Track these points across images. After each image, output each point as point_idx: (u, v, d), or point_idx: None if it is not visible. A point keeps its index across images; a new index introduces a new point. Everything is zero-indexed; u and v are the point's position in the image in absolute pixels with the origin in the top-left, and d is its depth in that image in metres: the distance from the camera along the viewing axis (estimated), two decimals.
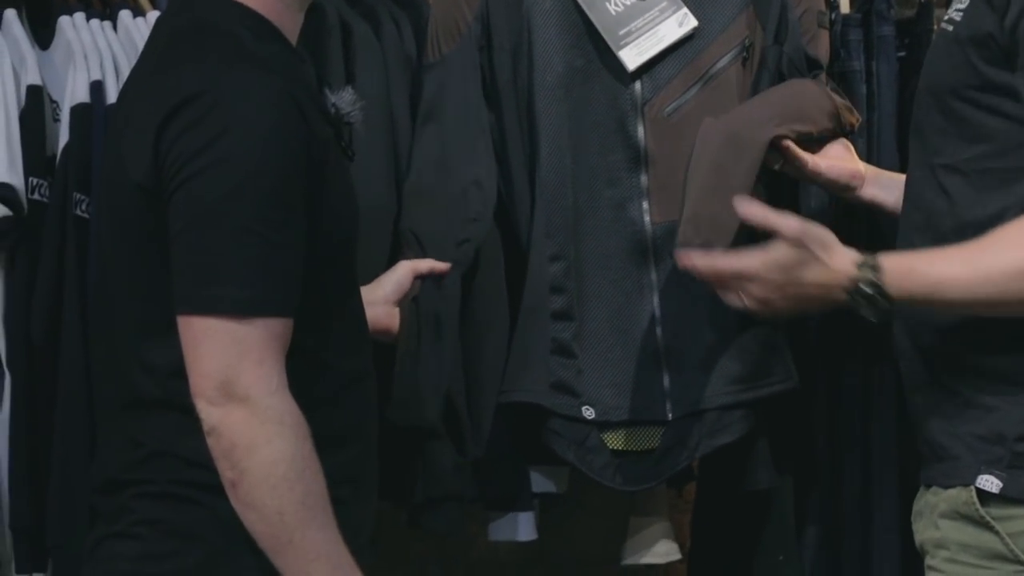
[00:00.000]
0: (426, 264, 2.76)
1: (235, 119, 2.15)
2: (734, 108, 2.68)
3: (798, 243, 2.29)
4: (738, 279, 2.33)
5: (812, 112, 2.67)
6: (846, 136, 2.70)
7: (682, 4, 2.81)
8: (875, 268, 2.27)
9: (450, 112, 2.82)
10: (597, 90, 2.82)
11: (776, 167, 2.68)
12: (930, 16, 3.05)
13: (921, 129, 2.39)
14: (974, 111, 2.31)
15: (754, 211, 2.34)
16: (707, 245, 2.49)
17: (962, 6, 2.33)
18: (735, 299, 2.35)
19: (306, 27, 2.66)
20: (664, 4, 2.81)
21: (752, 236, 2.42)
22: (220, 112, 2.14)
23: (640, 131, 2.81)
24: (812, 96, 2.68)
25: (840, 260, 2.29)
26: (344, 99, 2.40)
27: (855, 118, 2.70)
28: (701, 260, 2.35)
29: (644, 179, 2.82)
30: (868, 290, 2.27)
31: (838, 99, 2.68)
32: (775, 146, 2.65)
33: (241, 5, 2.28)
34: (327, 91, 2.43)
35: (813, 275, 2.31)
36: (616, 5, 2.81)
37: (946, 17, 2.39)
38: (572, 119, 2.82)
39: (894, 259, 2.29)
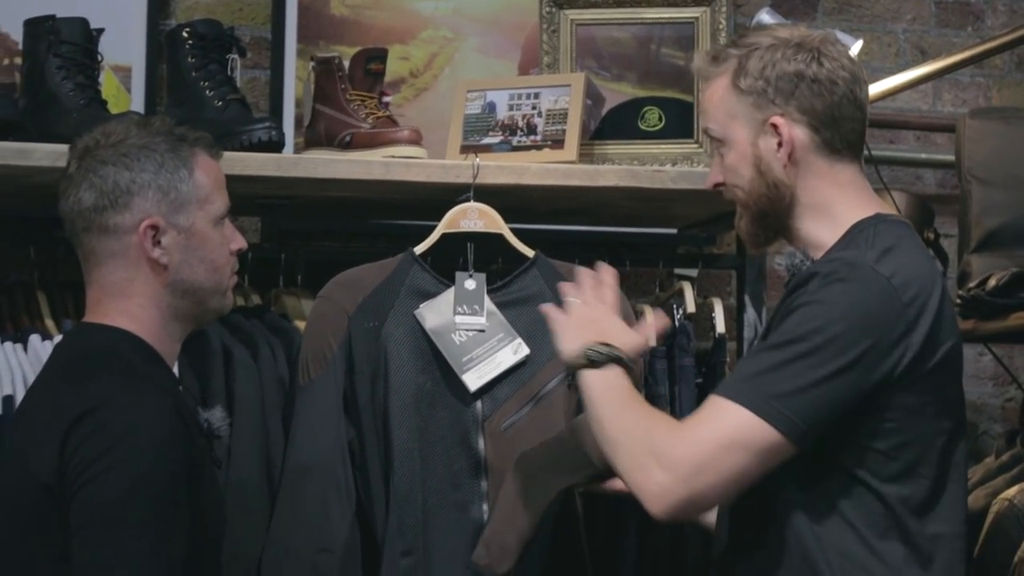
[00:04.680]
0: None
1: (130, 429, 2.19)
2: (546, 442, 2.64)
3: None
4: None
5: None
6: None
7: (516, 335, 2.85)
8: (611, 354, 2.37)
9: (314, 429, 2.79)
10: (444, 408, 2.83)
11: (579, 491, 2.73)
12: (723, 349, 3.13)
13: None
14: None
15: None
16: (490, 568, 2.58)
17: None
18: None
19: (193, 350, 2.81)
20: (501, 335, 2.85)
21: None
22: (117, 423, 2.18)
23: (481, 443, 2.83)
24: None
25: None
26: (215, 416, 2.45)
27: None
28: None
29: (484, 484, 2.81)
30: (592, 354, 2.37)
31: None
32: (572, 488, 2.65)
33: (130, 334, 2.33)
34: (199, 408, 2.47)
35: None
36: (460, 336, 2.84)
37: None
38: (422, 432, 2.81)
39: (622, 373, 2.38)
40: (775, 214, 2.40)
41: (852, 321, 2.23)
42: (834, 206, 2.38)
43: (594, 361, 2.37)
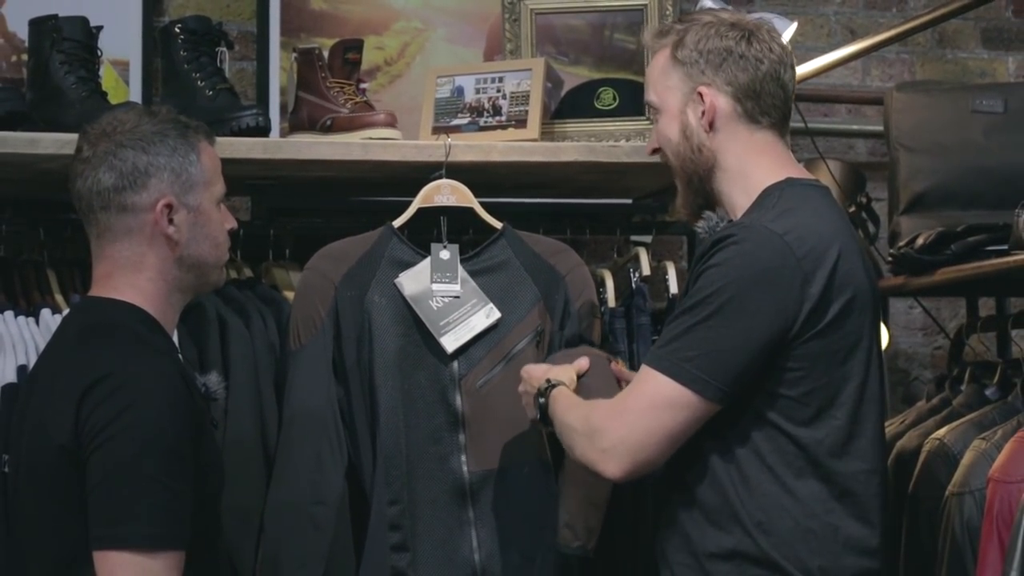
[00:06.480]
0: None
1: (140, 394, 2.23)
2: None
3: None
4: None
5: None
6: None
7: (488, 301, 2.88)
8: (552, 382, 2.54)
9: (306, 390, 2.81)
10: (424, 368, 2.86)
11: None
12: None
13: None
14: None
15: None
16: (583, 547, 2.63)
17: None
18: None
19: (191, 320, 2.84)
20: (475, 301, 2.88)
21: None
22: (128, 388, 2.23)
23: (458, 400, 2.86)
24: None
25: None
26: (211, 380, 2.49)
27: None
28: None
29: (462, 437, 2.84)
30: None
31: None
32: None
33: (134, 306, 2.37)
34: (197, 374, 2.51)
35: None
36: (437, 302, 2.86)
37: None
38: (404, 391, 2.84)
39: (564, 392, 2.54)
40: (699, 178, 2.46)
41: (749, 279, 2.30)
42: (749, 170, 2.43)
43: (543, 393, 2.53)
